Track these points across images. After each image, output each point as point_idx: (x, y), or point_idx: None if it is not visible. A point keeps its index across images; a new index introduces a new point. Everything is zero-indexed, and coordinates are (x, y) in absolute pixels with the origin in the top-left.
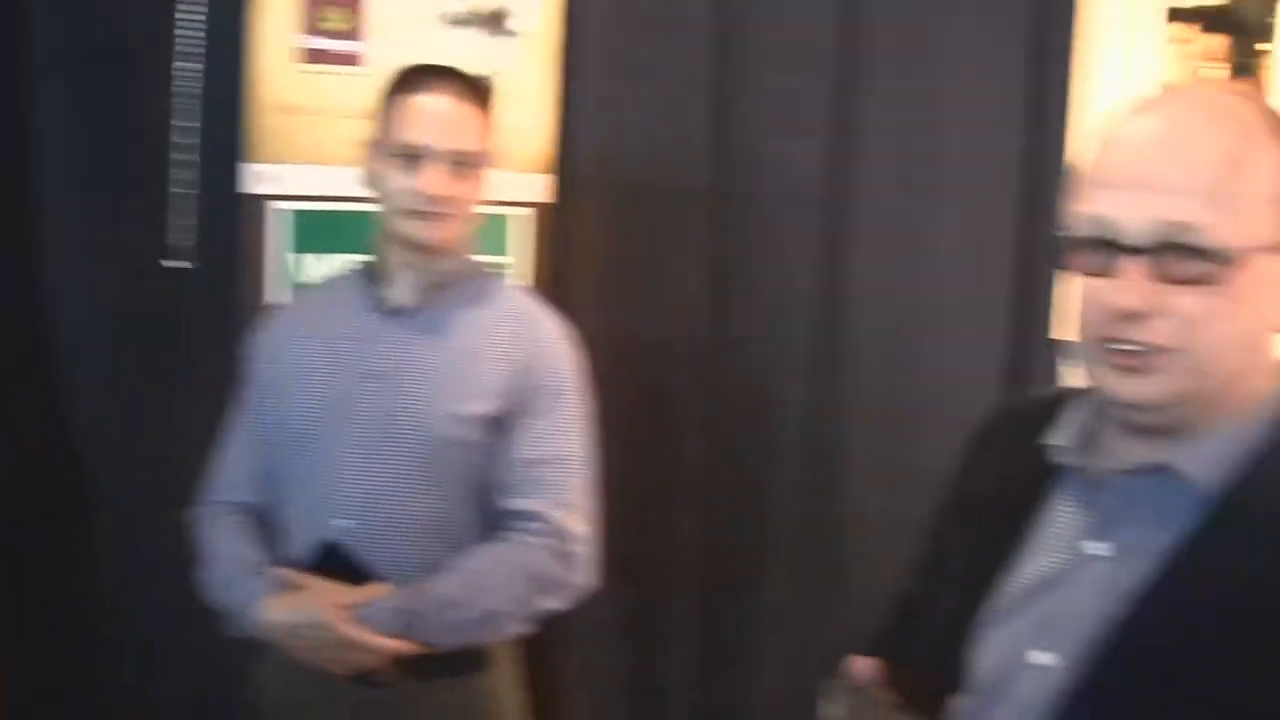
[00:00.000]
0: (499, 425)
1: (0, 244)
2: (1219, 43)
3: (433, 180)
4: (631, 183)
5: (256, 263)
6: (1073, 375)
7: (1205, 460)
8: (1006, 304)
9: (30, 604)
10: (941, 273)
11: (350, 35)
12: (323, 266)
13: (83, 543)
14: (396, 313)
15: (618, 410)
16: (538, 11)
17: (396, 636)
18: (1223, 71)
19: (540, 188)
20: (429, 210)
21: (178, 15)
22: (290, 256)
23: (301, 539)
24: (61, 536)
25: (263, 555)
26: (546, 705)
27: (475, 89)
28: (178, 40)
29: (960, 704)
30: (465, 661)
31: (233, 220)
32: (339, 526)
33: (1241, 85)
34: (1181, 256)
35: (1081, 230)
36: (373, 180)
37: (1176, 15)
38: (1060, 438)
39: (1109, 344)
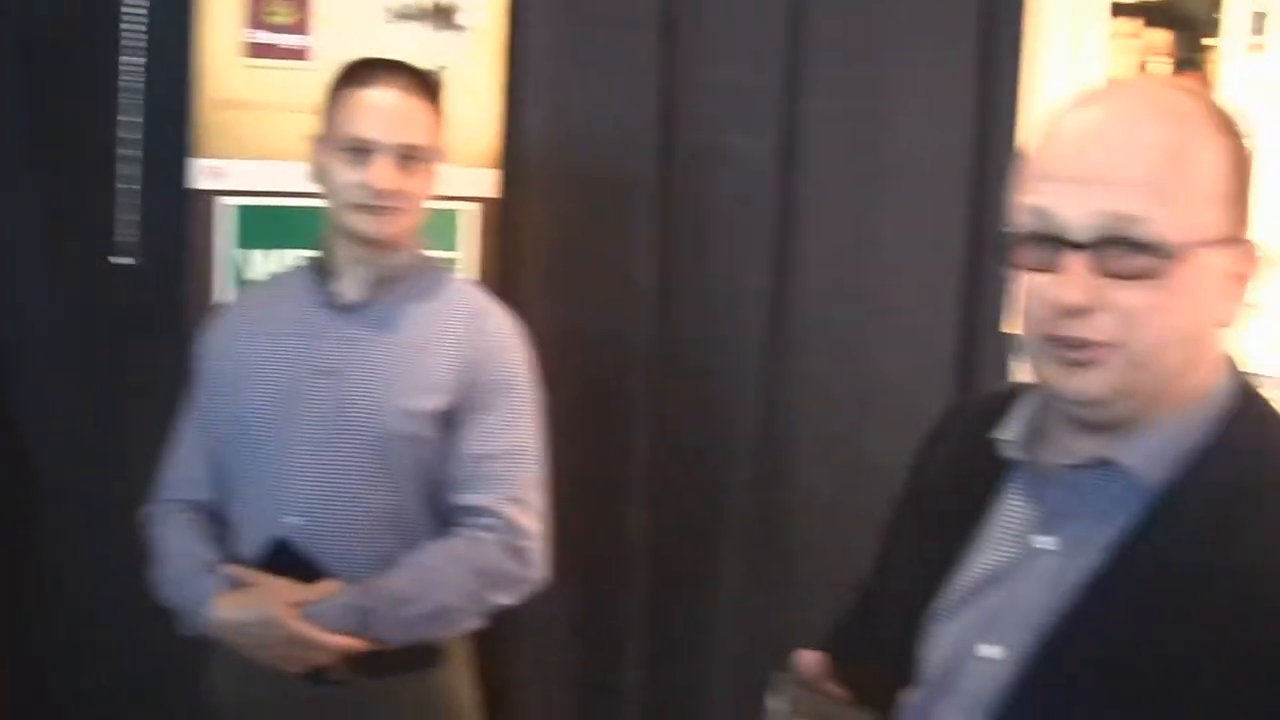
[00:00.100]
0: (449, 420)
1: None
2: (1164, 37)
3: (381, 174)
4: (580, 177)
5: (204, 259)
6: (1022, 369)
7: (1149, 455)
8: (956, 296)
9: None
10: (890, 264)
11: (297, 29)
12: (270, 262)
13: (31, 541)
14: (345, 308)
15: (567, 405)
16: (485, 6)
17: (348, 633)
18: (1168, 66)
19: (489, 182)
20: (377, 204)
21: (122, 9)
22: (237, 252)
23: (252, 536)
24: (10, 535)
25: (214, 553)
26: (499, 700)
27: (424, 83)
28: (122, 35)
29: (910, 697)
30: (418, 657)
31: (179, 216)
32: (289, 523)
33: (1187, 80)
34: (1124, 251)
35: (1025, 224)
36: (320, 175)
37: (1120, 10)
38: (1009, 432)
39: (1053, 339)
